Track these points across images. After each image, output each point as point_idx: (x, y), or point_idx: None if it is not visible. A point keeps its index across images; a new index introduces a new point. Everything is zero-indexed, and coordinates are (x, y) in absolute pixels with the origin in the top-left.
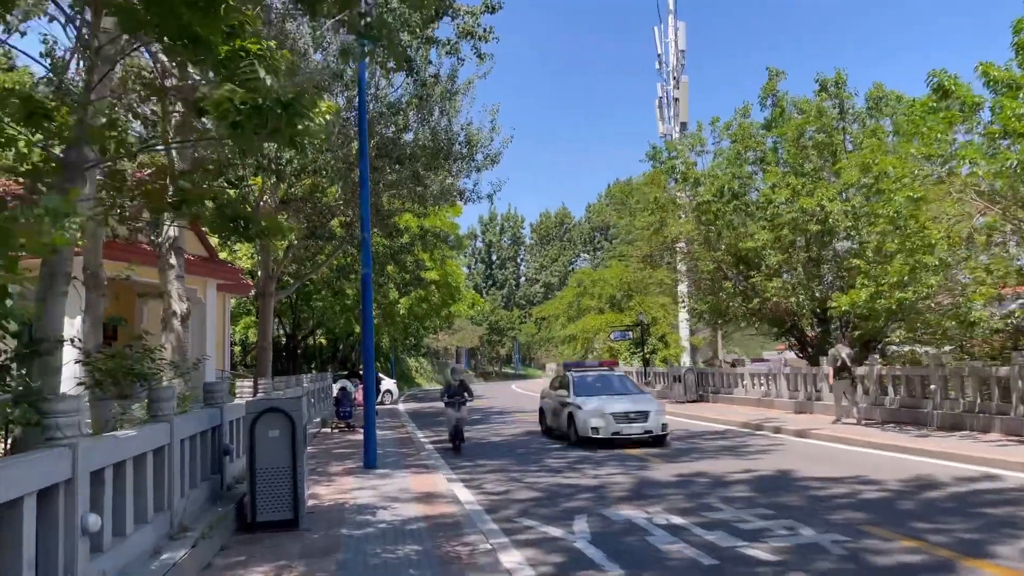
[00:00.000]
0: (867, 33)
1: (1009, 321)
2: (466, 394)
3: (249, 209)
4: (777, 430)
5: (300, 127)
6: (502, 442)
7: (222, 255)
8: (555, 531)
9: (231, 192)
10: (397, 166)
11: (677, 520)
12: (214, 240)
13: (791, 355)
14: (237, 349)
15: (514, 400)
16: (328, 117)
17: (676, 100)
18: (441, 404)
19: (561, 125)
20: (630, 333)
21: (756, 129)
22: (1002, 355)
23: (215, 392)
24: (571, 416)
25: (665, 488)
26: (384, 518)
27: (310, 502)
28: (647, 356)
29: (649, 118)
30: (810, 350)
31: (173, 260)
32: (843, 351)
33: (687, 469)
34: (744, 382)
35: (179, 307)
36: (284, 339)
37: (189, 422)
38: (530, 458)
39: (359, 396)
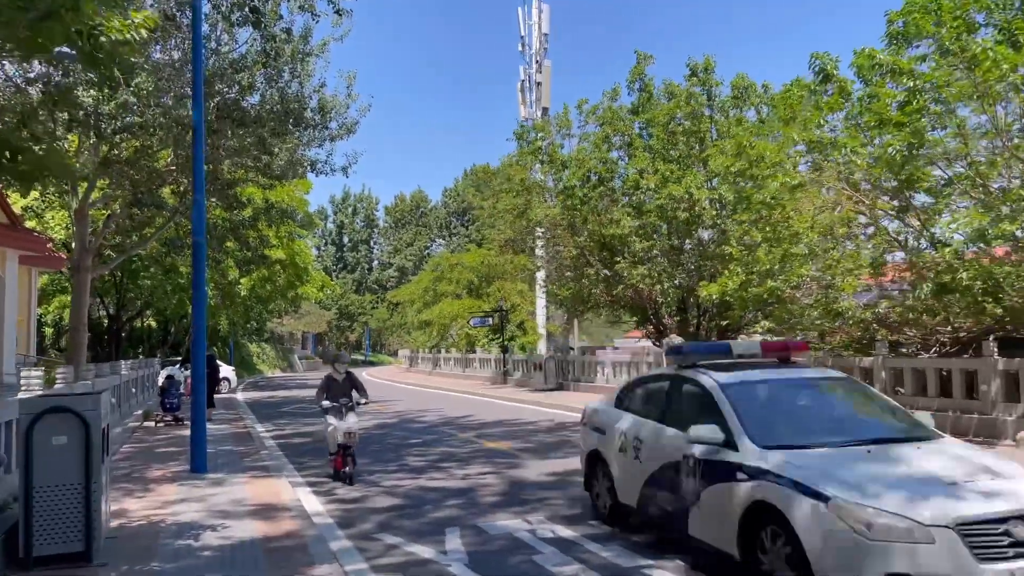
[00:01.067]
0: (740, 25)
1: (875, 312)
2: (356, 393)
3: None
4: None
5: (93, 22)
6: None
7: (29, 223)
8: (424, 551)
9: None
10: (240, 130)
11: (565, 532)
12: (18, 205)
13: (648, 343)
14: (49, 331)
15: (413, 398)
16: (145, 32)
17: (539, 84)
18: (284, 393)
19: (419, 106)
20: (490, 319)
21: (624, 113)
22: (860, 344)
23: None
24: (788, 536)
25: (543, 490)
26: (210, 542)
27: (115, 522)
28: (505, 344)
29: (511, 103)
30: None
31: None
32: (675, 340)
33: (561, 467)
34: (607, 370)
35: None
36: (106, 321)
37: None
38: None
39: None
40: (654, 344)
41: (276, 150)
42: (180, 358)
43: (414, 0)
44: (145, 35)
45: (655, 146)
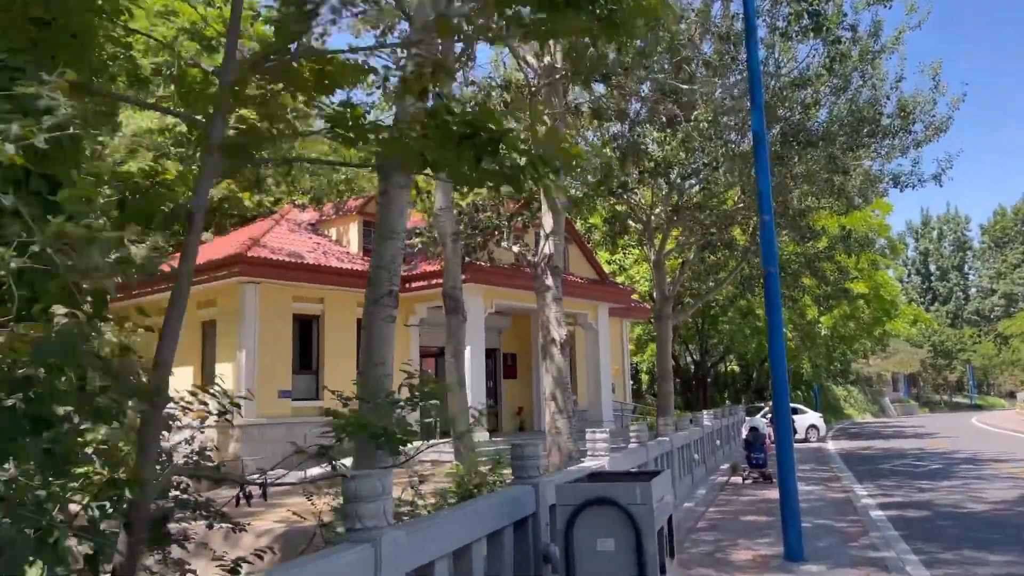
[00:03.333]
0: None
1: None
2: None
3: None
4: None
5: None
6: None
7: (619, 279)
8: None
9: (618, 207)
10: (808, 152)
11: None
12: (604, 260)
13: None
14: (645, 378)
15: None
16: None
17: None
18: (881, 443)
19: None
20: None
21: None
22: None
23: (525, 459)
24: None
25: None
26: None
27: None
28: None
29: None
30: None
31: (550, 280)
32: None
33: None
34: None
35: (557, 333)
36: (692, 367)
37: (476, 515)
38: None
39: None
40: None
41: (850, 169)
42: (762, 405)
43: None
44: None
45: None
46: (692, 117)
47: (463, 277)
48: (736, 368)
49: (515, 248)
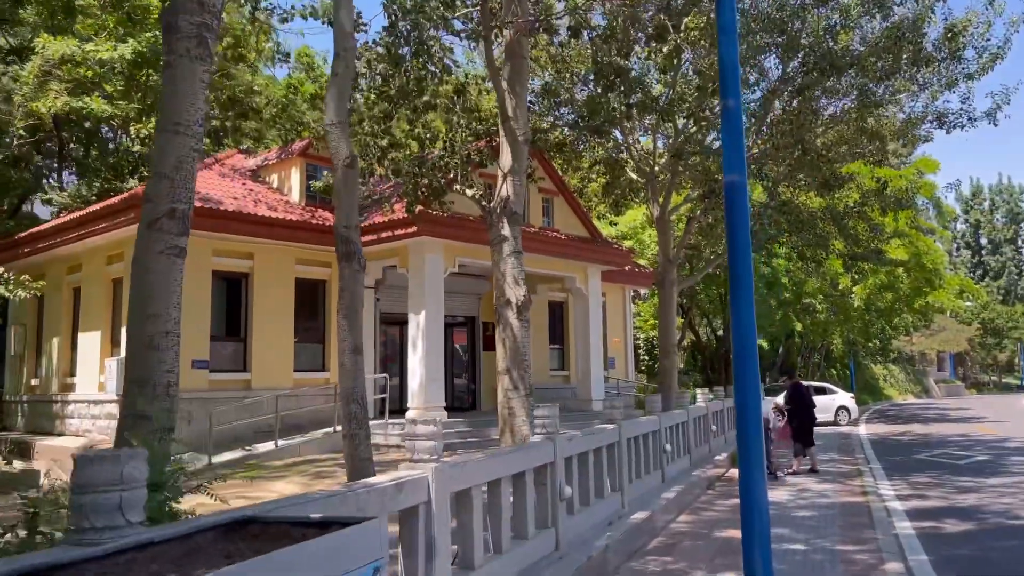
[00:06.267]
0: None
1: None
2: None
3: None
4: None
5: None
6: None
7: (626, 243)
8: None
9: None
10: (831, 80)
11: None
12: (622, 225)
13: None
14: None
15: None
16: None
17: None
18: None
19: None
20: None
21: None
22: None
23: None
24: None
25: None
26: None
27: None
28: None
29: None
30: None
31: (506, 229)
32: None
33: None
34: None
35: (514, 293)
36: (714, 342)
37: None
38: None
39: (783, 425)
40: None
41: (884, 102)
42: (786, 379)
43: None
44: None
45: None
46: (682, 26)
47: (413, 229)
48: (765, 344)
49: (468, 192)
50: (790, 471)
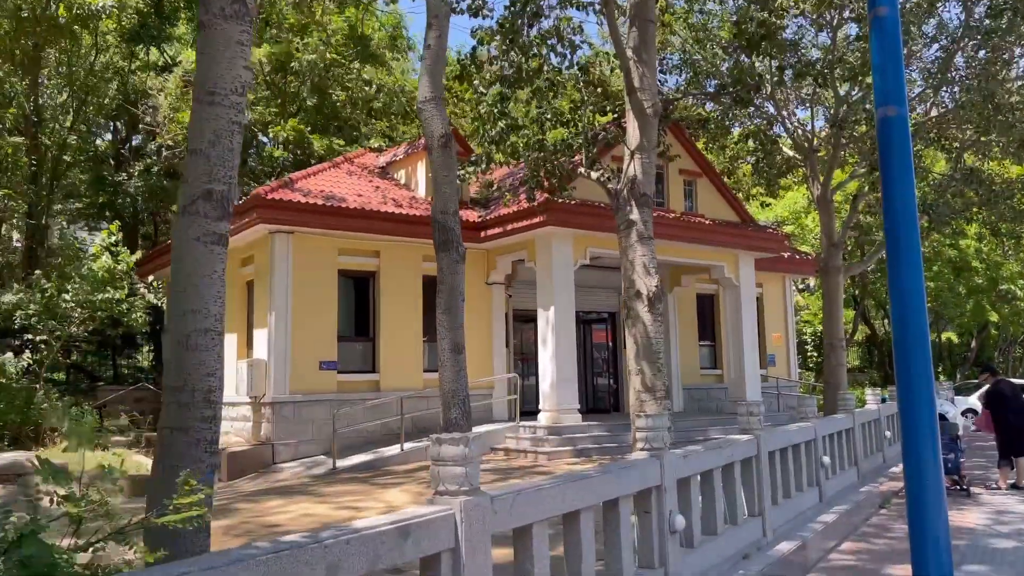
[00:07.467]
0: None
1: None
2: None
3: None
4: None
5: None
6: None
7: (788, 229)
8: None
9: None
10: None
11: None
12: (778, 206)
13: None
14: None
15: None
16: None
17: None
18: None
19: None
20: None
21: None
22: None
23: None
24: None
25: None
26: None
27: None
28: None
29: None
30: None
31: (635, 213)
32: None
33: None
34: None
35: (644, 284)
36: (891, 336)
37: None
38: None
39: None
40: None
41: None
42: (986, 373)
43: None
44: None
45: None
46: None
47: (539, 219)
48: (954, 337)
49: (593, 174)
50: (994, 487)
